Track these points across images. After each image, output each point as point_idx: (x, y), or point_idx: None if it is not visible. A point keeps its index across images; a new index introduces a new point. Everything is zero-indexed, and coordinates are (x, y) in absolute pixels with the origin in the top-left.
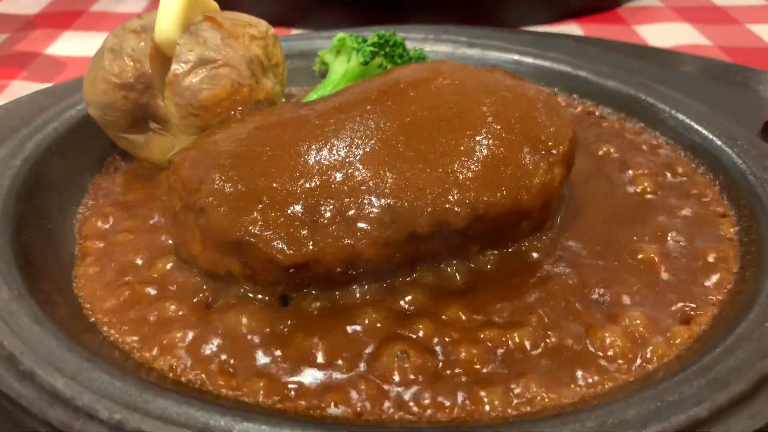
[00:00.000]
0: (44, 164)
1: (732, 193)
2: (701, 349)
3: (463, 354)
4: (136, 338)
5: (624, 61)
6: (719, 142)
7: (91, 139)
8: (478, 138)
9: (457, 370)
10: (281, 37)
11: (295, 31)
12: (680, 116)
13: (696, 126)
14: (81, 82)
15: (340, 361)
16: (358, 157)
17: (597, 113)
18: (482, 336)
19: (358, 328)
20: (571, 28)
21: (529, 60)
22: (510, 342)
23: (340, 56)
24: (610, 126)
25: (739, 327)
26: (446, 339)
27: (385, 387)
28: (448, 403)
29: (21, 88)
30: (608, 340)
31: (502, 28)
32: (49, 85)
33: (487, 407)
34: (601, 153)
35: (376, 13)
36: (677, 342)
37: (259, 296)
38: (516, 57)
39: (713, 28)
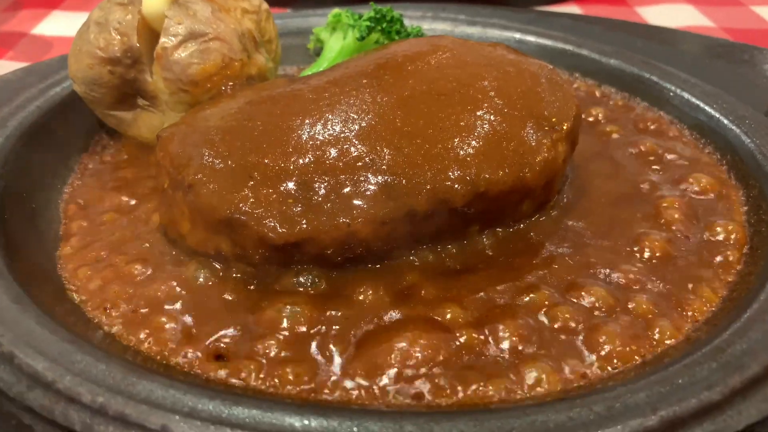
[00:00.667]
0: (28, 143)
1: (740, 173)
2: (711, 331)
3: (464, 338)
4: (121, 320)
5: (627, 39)
6: (726, 121)
7: (77, 116)
8: (479, 113)
9: (458, 354)
10: (275, 14)
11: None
12: (685, 95)
13: (702, 105)
14: (66, 60)
15: (335, 345)
16: (353, 133)
17: (600, 92)
18: (484, 318)
19: (355, 310)
20: (572, 9)
21: (531, 38)
22: (512, 324)
23: (335, 33)
24: (614, 105)
25: (751, 308)
26: (446, 322)
27: (382, 371)
28: (450, 388)
29: (7, 68)
30: (615, 322)
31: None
32: None
33: (491, 391)
34: (604, 132)
35: None
36: (686, 324)
37: (250, 276)
38: (517, 35)
39: (716, 9)
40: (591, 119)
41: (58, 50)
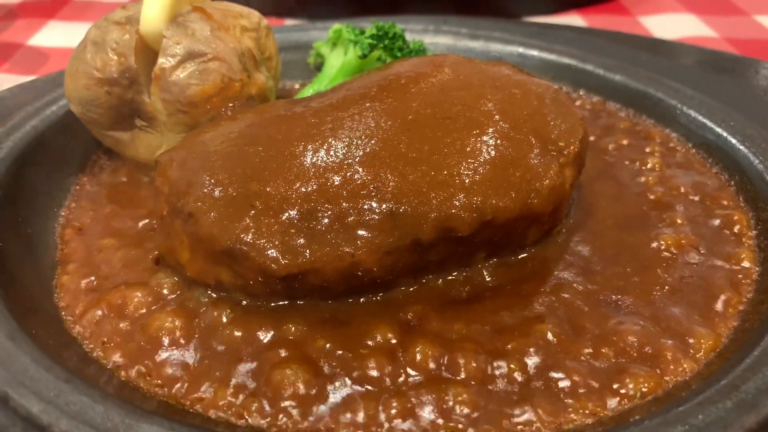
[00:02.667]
0: (23, 165)
1: (749, 195)
2: (724, 365)
3: (469, 370)
4: (120, 353)
5: (631, 53)
6: (734, 141)
7: (73, 137)
8: (484, 138)
9: (462, 387)
10: (274, 28)
11: (288, 22)
12: (692, 113)
13: (709, 123)
14: (63, 75)
15: (338, 379)
16: (357, 159)
17: (604, 109)
18: (490, 349)
19: (359, 342)
20: (574, 19)
21: (534, 53)
22: (519, 356)
23: (336, 48)
24: (618, 122)
25: (764, 340)
26: (452, 353)
27: (387, 404)
28: (452, 422)
29: (3, 80)
30: (624, 354)
31: (503, 18)
32: (34, 77)
33: (495, 430)
34: (609, 151)
35: (373, 1)
36: (698, 356)
37: (253, 306)
38: (520, 49)
39: (719, 19)
40: (596, 137)
41: (54, 62)
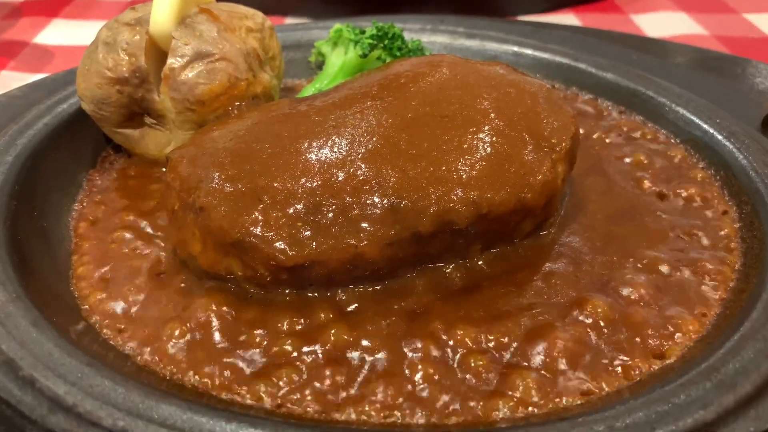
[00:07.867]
0: (37, 161)
1: (733, 189)
2: (706, 349)
3: (470, 355)
4: (135, 340)
5: (623, 52)
6: (720, 137)
7: (84, 133)
8: (480, 135)
9: (462, 371)
10: (277, 27)
11: (289, 20)
12: (680, 110)
13: (696, 120)
14: (72, 74)
15: (345, 365)
16: (359, 155)
17: (596, 106)
18: (487, 335)
19: (363, 329)
20: (568, 17)
21: (528, 51)
22: (515, 340)
23: (337, 48)
24: (609, 119)
25: (743, 326)
26: (451, 338)
27: (392, 390)
28: (454, 406)
29: (10, 78)
30: (612, 340)
31: (499, 16)
32: (39, 74)
33: (494, 410)
34: (600, 147)
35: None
36: (681, 341)
37: (260, 296)
38: (515, 48)
39: (710, 17)
40: (587, 134)
41: (60, 60)
